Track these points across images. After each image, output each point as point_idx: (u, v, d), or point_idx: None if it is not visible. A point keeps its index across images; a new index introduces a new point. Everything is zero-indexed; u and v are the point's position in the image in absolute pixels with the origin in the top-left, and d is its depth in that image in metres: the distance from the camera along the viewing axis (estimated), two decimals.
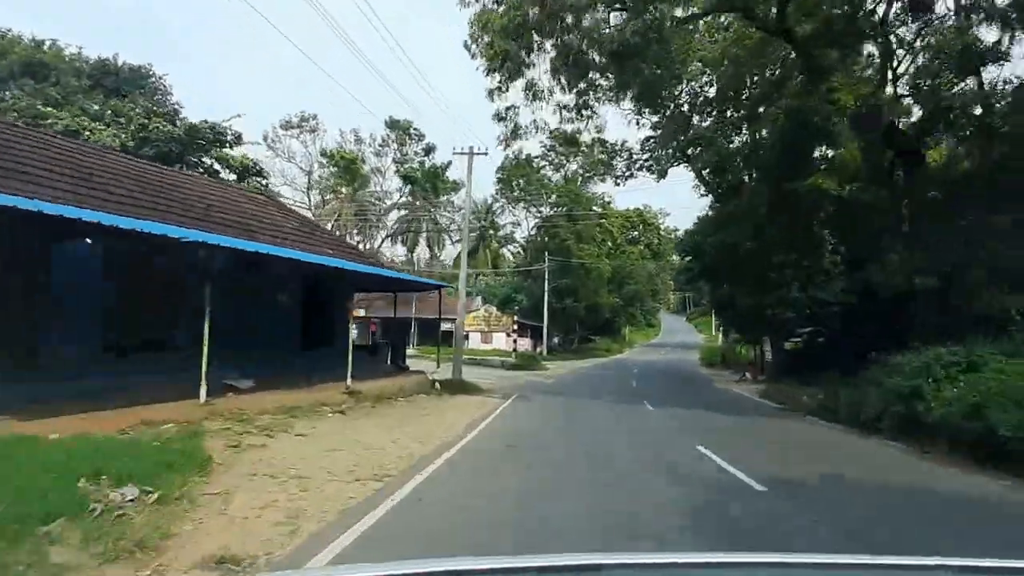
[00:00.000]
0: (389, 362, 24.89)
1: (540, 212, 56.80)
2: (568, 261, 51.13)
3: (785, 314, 27.80)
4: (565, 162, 57.62)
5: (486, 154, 23.49)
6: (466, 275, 24.14)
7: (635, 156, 35.63)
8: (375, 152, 50.89)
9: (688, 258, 34.04)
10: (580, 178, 57.65)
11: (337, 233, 52.72)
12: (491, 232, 67.83)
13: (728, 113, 30.05)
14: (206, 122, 35.15)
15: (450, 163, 50.61)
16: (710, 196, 34.55)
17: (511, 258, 69.15)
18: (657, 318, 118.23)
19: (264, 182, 42.53)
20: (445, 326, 37.70)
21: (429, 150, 49.87)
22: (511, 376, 31.25)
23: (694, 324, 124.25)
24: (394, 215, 68.04)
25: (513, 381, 28.71)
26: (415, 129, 49.72)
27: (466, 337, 42.59)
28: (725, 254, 28.37)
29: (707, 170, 31.88)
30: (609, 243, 62.48)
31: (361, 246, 61.19)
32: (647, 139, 35.81)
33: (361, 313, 53.40)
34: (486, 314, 36.95)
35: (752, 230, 25.69)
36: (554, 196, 55.26)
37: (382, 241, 64.41)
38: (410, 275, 22.37)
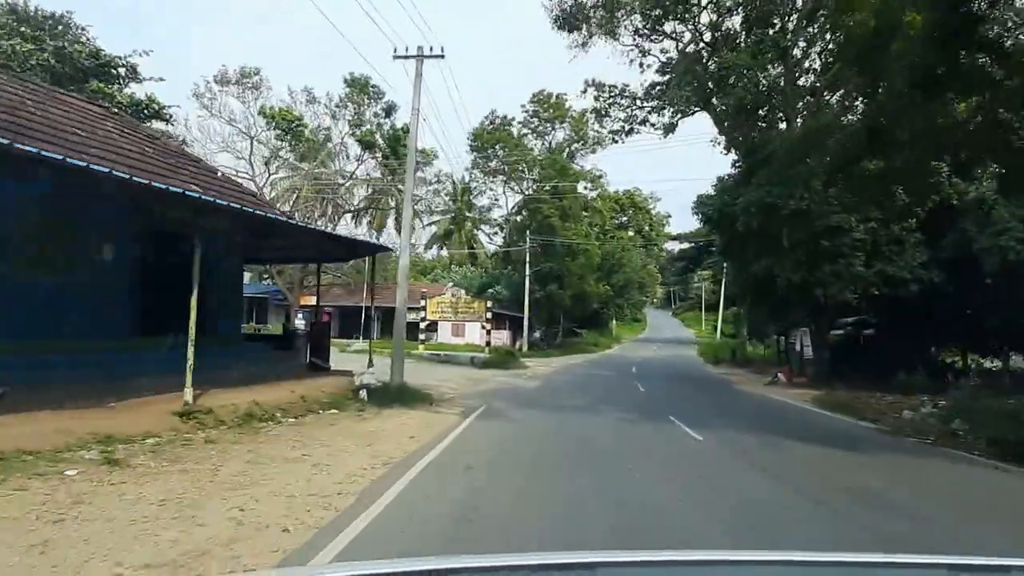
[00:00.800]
0: (308, 359, 17.71)
1: (522, 189, 49.72)
2: (552, 241, 44.08)
3: (843, 294, 21.00)
4: (550, 129, 50.68)
5: (442, 56, 16.38)
6: (410, 229, 16.98)
7: (638, 102, 28.61)
8: (331, 114, 43.52)
9: (706, 226, 27.04)
10: (567, 150, 50.84)
11: (297, 215, 45.17)
12: (466, 214, 60.62)
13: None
14: (97, 53, 27.63)
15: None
16: (732, 152, 27.73)
17: (489, 245, 62.01)
18: (643, 313, 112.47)
19: (180, 137, 34.94)
20: (412, 316, 30.65)
21: (390, 110, 42.69)
22: (482, 377, 24.14)
23: (681, 319, 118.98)
24: (363, 194, 60.71)
25: (483, 384, 21.60)
26: (374, 87, 42.42)
27: (430, 328, 35.49)
28: (762, 217, 21.51)
29: (731, 113, 24.93)
30: (598, 226, 55.52)
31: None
32: (653, 85, 28.86)
33: (311, 301, 46.06)
34: (454, 299, 30.09)
35: (802, 181, 18.87)
36: (537, 169, 48.19)
37: (345, 221, 56.92)
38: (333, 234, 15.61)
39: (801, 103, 23.60)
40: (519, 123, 49.19)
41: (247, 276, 51.70)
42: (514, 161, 47.08)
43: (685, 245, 73.82)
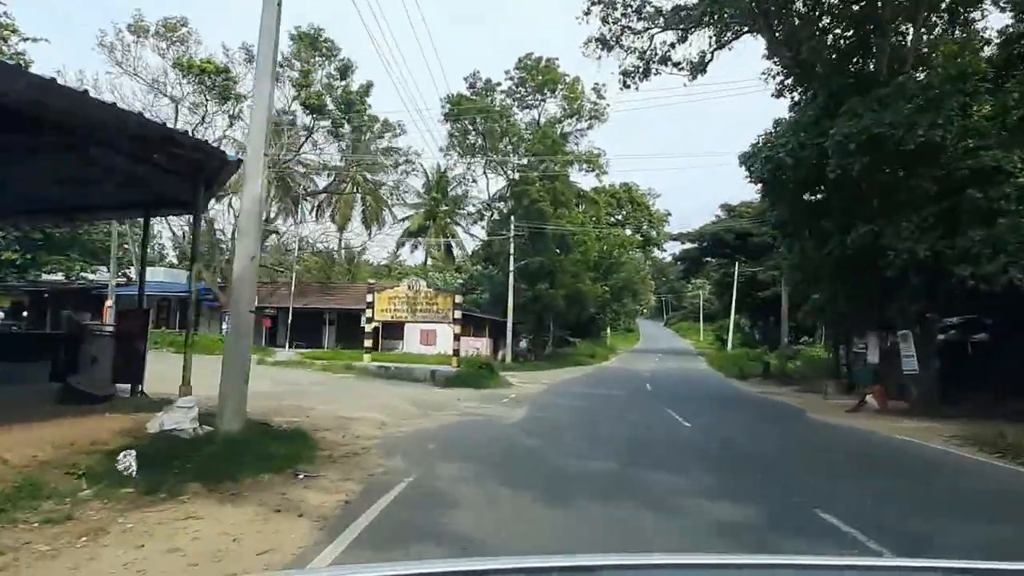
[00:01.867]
0: (65, 382, 9.81)
1: (505, 172, 41.97)
2: (542, 228, 36.35)
3: (1002, 275, 13.26)
4: (539, 101, 43.08)
5: None
6: (264, 131, 9.02)
7: (660, 22, 20.95)
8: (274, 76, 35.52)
9: (760, 187, 19.14)
10: (559, 126, 43.26)
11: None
12: (444, 207, 52.78)
13: None
14: None
15: (371, 85, 35.37)
16: (791, 93, 20.14)
17: (470, 242, 54.09)
18: (635, 323, 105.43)
19: None
20: (373, 319, 22.98)
21: (345, 70, 34.91)
22: (440, 403, 16.23)
23: (674, 330, 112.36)
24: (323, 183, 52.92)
25: (437, 417, 13.65)
26: (326, 41, 34.61)
27: (375, 330, 27.67)
28: (868, 158, 13.87)
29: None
30: (593, 219, 47.86)
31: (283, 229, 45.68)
32: (679, 8, 21.23)
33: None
34: (411, 293, 22.24)
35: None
36: (523, 147, 40.54)
37: (310, 215, 48.99)
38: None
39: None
40: (502, 92, 41.58)
41: (163, 271, 43.70)
42: (498, 134, 39.33)
43: (688, 245, 66.38)
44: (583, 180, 48.88)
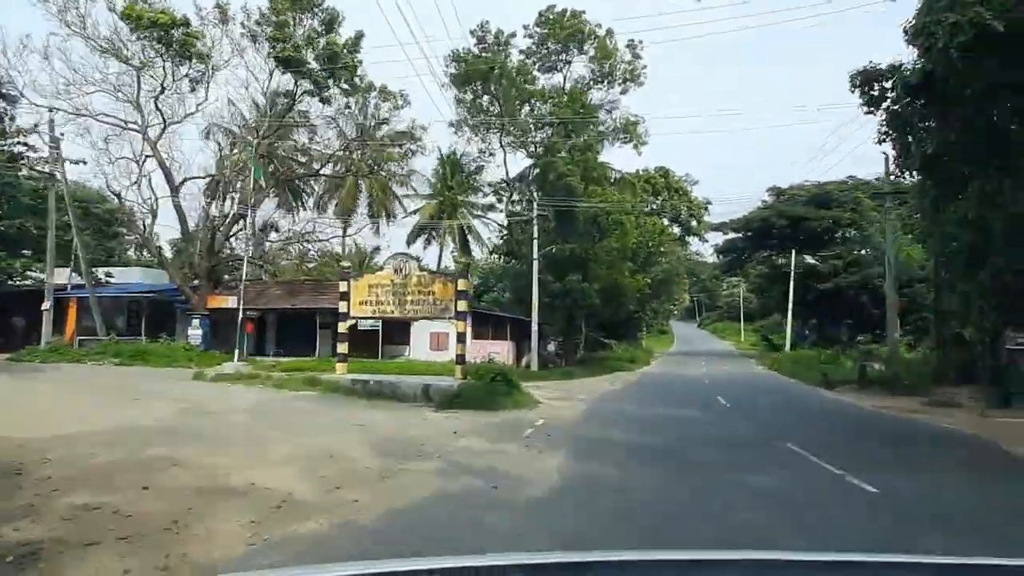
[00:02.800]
0: None
1: (529, 143, 35.60)
2: (571, 205, 30.07)
3: None
4: (565, 61, 36.67)
5: None
6: None
7: None
8: (250, 35, 29.83)
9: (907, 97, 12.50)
10: (588, 89, 36.85)
11: (251, 205, 30.89)
12: (458, 198, 46.64)
13: None
14: None
15: (362, 35, 29.25)
16: None
17: (487, 235, 47.81)
18: (667, 324, 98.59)
19: None
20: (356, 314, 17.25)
21: (331, 22, 29.10)
22: (416, 444, 9.97)
23: (710, 330, 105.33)
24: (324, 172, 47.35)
25: (383, 487, 7.36)
26: None
27: (351, 330, 21.94)
28: None
29: None
30: (628, 203, 41.25)
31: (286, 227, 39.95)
32: None
33: (230, 304, 32.14)
34: (398, 278, 16.08)
35: None
36: (547, 111, 34.29)
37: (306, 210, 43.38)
38: None
39: None
40: (521, 53, 35.29)
41: (139, 271, 38.06)
42: (515, 98, 33.04)
43: (732, 235, 59.42)
44: (617, 157, 42.19)
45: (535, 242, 29.95)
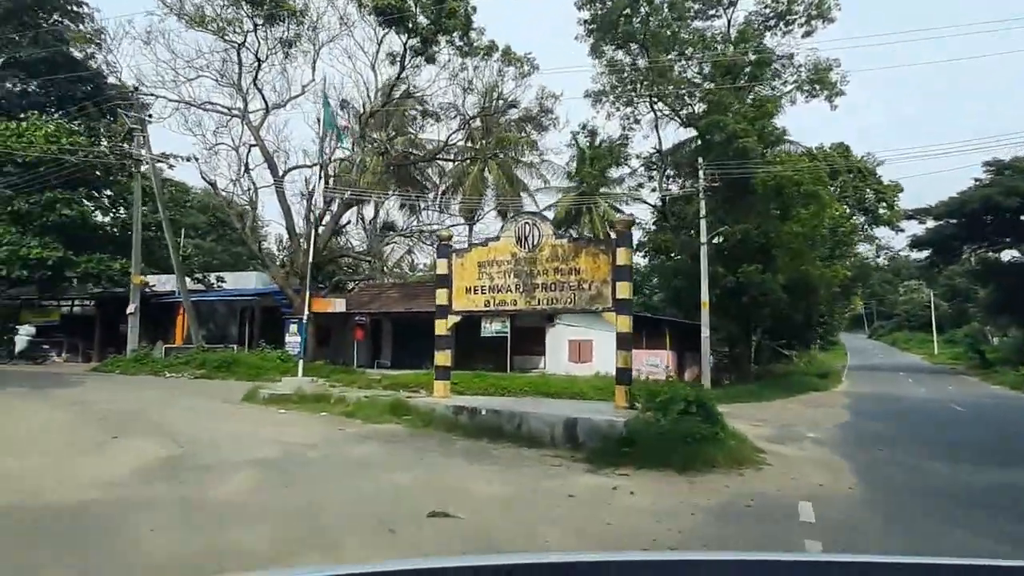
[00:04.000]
0: None
1: (683, 108, 28.62)
2: (747, 173, 22.87)
3: None
4: (722, 4, 29.20)
5: None
6: None
7: None
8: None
9: None
10: (758, 29, 29.17)
11: (372, 211, 26.81)
12: (600, 188, 40.31)
13: None
14: None
15: None
16: None
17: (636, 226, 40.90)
18: (837, 334, 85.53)
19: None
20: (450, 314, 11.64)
21: None
22: None
23: (886, 341, 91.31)
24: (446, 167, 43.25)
25: None
26: None
27: (453, 330, 16.43)
28: None
29: None
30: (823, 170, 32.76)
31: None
32: None
33: (337, 308, 28.00)
34: (522, 251, 11.02)
35: None
36: (708, 62, 27.25)
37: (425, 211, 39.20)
38: None
39: None
40: None
41: (255, 276, 35.26)
42: (667, 41, 26.25)
43: (932, 223, 48.18)
44: (791, 122, 33.37)
45: (703, 222, 23.00)
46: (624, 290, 10.39)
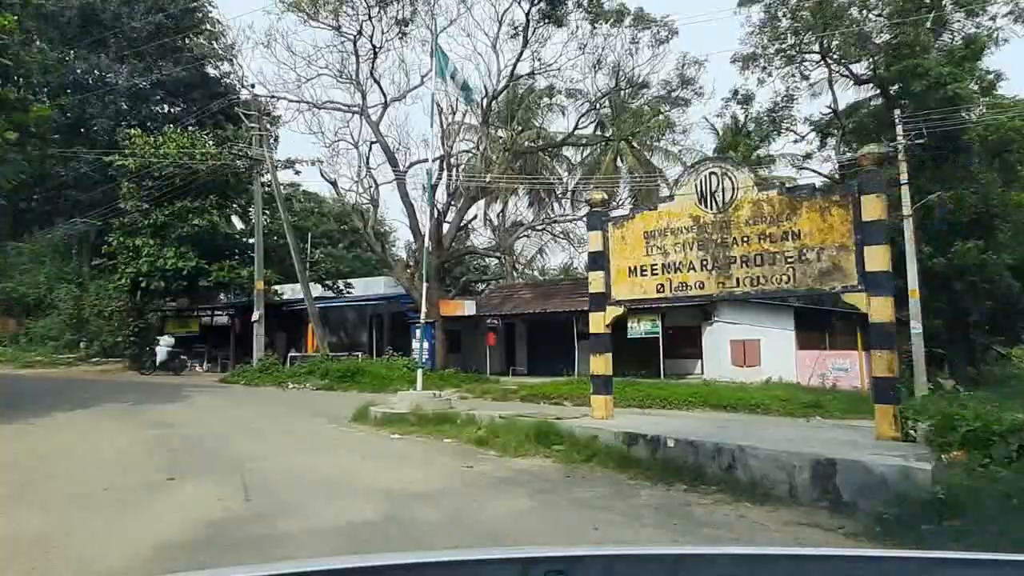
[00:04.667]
0: None
1: (861, 55, 23.72)
2: (956, 127, 17.93)
3: None
4: None
5: None
6: None
7: None
8: None
9: None
10: None
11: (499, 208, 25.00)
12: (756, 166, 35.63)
13: None
14: None
15: None
16: None
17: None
18: None
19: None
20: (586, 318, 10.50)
21: None
22: None
23: None
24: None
25: None
26: None
27: (611, 325, 13.02)
28: None
29: None
30: None
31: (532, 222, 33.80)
32: None
33: (467, 311, 25.85)
34: (704, 211, 8.31)
35: None
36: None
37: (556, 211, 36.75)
38: None
39: None
40: None
41: (383, 280, 34.01)
42: None
43: None
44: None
45: (904, 190, 18.29)
46: (877, 259, 6.86)
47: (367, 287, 33.29)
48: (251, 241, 27.57)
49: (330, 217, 42.03)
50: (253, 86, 23.90)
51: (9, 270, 33.60)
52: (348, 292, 30.59)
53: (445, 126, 25.73)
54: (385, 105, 25.54)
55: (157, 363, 24.68)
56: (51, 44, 29.32)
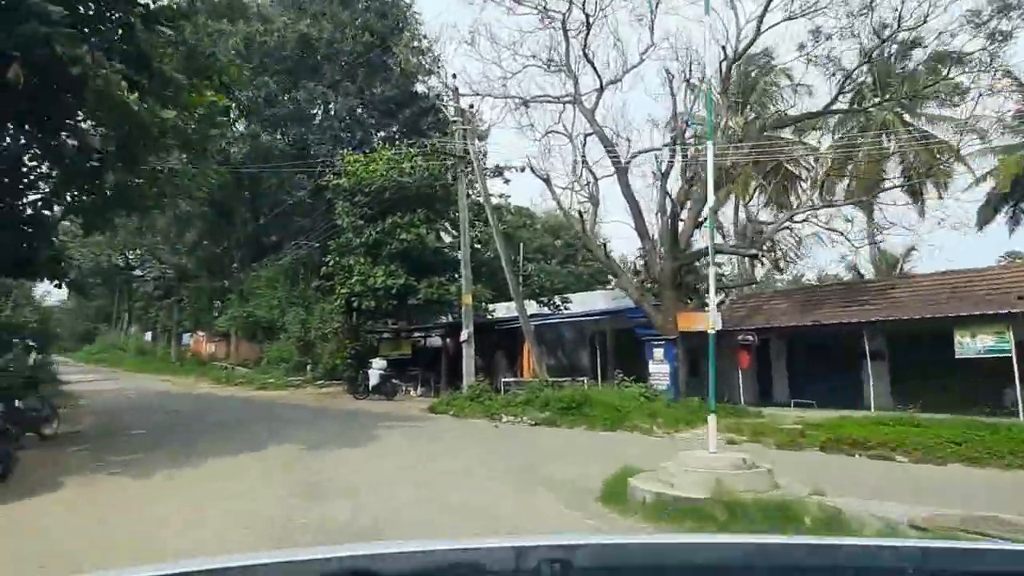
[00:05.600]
0: None
1: None
2: None
3: None
4: None
5: None
6: None
7: None
8: None
9: None
10: None
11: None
12: None
13: None
14: None
15: None
16: None
17: None
18: None
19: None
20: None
21: None
22: None
23: None
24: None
25: None
26: None
27: None
28: None
29: None
30: None
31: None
32: None
33: (708, 322, 20.97)
34: None
35: None
36: None
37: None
38: None
39: None
40: None
41: (600, 295, 29.98)
42: None
43: None
44: None
45: None
46: None
47: (584, 302, 29.75)
48: (459, 256, 25.65)
49: (542, 230, 39.58)
50: (455, 76, 21.61)
51: (252, 296, 35.63)
52: (565, 308, 27.30)
53: (683, 95, 21.27)
54: (600, 89, 21.92)
55: (370, 387, 23.45)
56: (272, 76, 30.35)
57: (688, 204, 19.84)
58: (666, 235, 19.67)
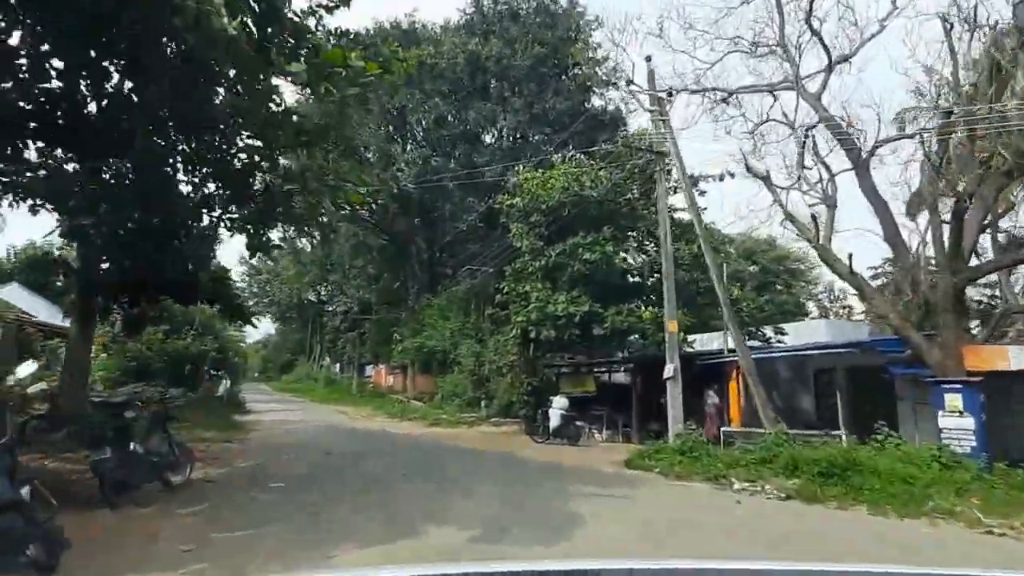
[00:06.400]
0: None
1: None
2: None
3: None
4: None
5: None
6: None
7: None
8: None
9: None
10: None
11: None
12: None
13: None
14: None
15: None
16: None
17: None
18: None
19: None
20: None
21: None
22: None
23: None
24: None
25: None
26: None
27: None
28: None
29: None
30: None
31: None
32: None
33: (1014, 363, 15.08)
34: None
35: None
36: None
37: None
38: None
39: None
40: None
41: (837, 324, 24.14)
42: None
43: None
44: None
45: None
46: None
47: (800, 333, 24.71)
48: (650, 281, 22.05)
49: (736, 254, 34.89)
50: (649, 58, 18.36)
51: (425, 327, 34.72)
52: (779, 341, 22.59)
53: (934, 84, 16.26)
54: (829, 68, 17.54)
55: (551, 429, 20.49)
56: (442, 97, 29.34)
57: (971, 200, 14.63)
58: (939, 242, 14.65)
